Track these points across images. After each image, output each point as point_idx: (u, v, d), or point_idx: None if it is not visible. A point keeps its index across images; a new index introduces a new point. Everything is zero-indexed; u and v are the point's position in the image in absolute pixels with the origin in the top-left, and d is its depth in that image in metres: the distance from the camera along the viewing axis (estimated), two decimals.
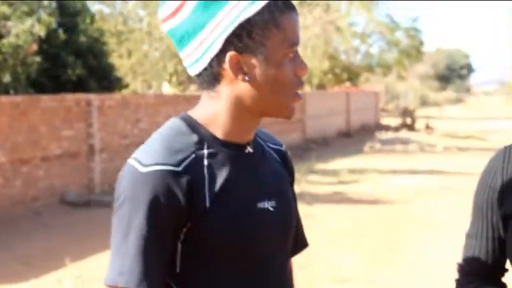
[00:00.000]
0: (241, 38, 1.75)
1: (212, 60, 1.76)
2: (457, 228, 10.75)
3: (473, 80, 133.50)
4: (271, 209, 1.84)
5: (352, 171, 17.89)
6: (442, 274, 8.36)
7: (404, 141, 28.07)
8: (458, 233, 10.20)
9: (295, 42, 1.78)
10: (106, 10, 24.67)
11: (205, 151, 1.78)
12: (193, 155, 1.76)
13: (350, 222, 11.46)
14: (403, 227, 11.20)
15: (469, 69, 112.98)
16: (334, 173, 17.78)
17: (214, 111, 1.81)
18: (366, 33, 40.33)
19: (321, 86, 37.03)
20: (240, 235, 1.77)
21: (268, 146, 1.98)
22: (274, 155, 1.98)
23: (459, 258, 2.22)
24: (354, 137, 31.18)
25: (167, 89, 26.38)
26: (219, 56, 1.76)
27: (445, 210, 12.53)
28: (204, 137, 1.79)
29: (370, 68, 41.57)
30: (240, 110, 1.79)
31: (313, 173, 17.62)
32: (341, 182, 16.19)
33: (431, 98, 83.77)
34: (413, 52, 41.68)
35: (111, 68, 18.91)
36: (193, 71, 1.81)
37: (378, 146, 26.32)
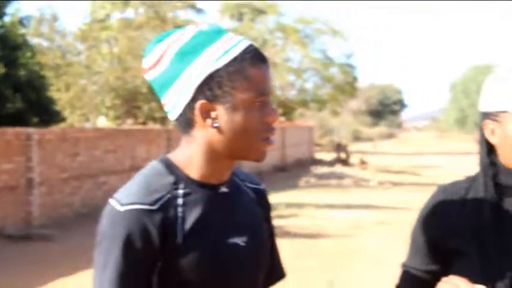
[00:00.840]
0: (211, 88, 1.90)
1: (185, 107, 1.92)
2: (391, 261, 11.06)
3: (405, 115, 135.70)
4: (243, 244, 1.98)
5: (289, 206, 18.09)
6: None
7: (339, 176, 28.41)
8: (392, 266, 10.52)
9: (263, 92, 1.93)
10: (45, 43, 24.65)
11: (181, 191, 1.92)
12: (168, 195, 1.90)
13: (290, 256, 11.63)
14: (341, 260, 11.44)
15: (401, 104, 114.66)
16: (271, 207, 17.95)
17: (189, 154, 1.96)
18: (301, 69, 40.84)
19: None
20: (210, 269, 1.91)
21: (246, 186, 2.15)
22: (251, 193, 2.15)
23: None
24: (289, 171, 31.47)
25: (104, 122, 26.39)
26: (191, 104, 1.91)
27: (380, 244, 12.82)
28: (179, 178, 1.94)
29: (304, 103, 42.01)
30: (212, 153, 1.95)
31: None
32: (279, 216, 16.36)
33: (364, 133, 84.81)
34: (348, 88, 42.23)
35: (50, 101, 18.88)
36: (172, 117, 1.97)
37: (313, 180, 26.62)
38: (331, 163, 36.36)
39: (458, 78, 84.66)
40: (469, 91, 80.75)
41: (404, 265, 2.38)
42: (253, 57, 1.94)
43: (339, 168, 33.41)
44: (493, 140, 2.21)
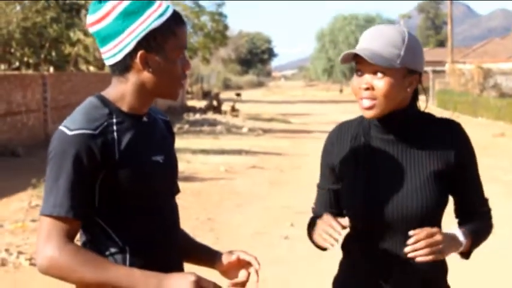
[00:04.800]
0: (149, 42, 2.55)
1: (126, 55, 2.56)
2: (260, 199, 11.96)
3: (274, 64, 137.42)
4: (161, 161, 2.66)
5: None
6: (253, 236, 9.42)
7: (212, 123, 29.13)
8: (261, 203, 11.37)
9: (184, 47, 2.63)
10: None
11: (114, 120, 2.56)
12: (105, 123, 2.53)
13: None
14: (217, 200, 12.21)
15: (270, 53, 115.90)
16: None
17: (122, 91, 2.60)
18: None
19: None
20: (139, 179, 2.57)
21: (158, 117, 2.82)
22: (162, 124, 2.81)
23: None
24: None
25: None
26: (132, 53, 2.56)
27: (252, 185, 13.75)
28: (113, 110, 2.58)
29: None
30: (142, 91, 2.60)
31: None
32: None
33: (234, 82, 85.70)
34: (218, 36, 42.83)
35: None
36: (110, 62, 2.60)
37: (186, 127, 27.19)
38: (203, 110, 37.01)
39: (325, 28, 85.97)
40: (336, 41, 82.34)
41: (317, 185, 3.06)
42: (179, 19, 2.61)
43: (211, 116, 34.13)
44: None
